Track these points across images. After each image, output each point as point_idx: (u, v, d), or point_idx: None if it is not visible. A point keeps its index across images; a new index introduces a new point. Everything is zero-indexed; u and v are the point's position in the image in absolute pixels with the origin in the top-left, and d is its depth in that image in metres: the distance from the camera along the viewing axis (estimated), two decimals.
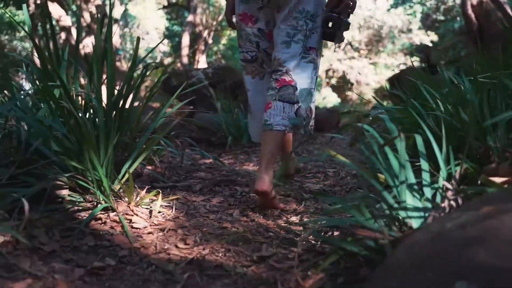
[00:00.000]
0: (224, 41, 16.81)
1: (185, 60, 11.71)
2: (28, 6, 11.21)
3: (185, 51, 11.76)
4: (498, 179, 1.05)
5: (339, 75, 17.02)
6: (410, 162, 1.16)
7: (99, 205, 1.43)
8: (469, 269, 0.65)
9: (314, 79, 1.84)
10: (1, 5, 12.40)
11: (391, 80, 6.92)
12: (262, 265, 1.18)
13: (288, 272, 1.12)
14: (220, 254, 1.26)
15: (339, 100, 16.36)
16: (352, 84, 16.74)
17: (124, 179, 1.62)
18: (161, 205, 1.60)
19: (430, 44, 14.26)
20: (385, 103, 6.86)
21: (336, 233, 1.38)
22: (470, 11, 6.33)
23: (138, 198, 1.59)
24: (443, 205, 1.04)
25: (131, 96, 1.83)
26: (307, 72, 1.81)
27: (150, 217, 1.52)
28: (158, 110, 2.14)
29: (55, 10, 9.55)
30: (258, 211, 1.73)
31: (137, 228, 1.40)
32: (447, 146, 1.16)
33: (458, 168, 1.10)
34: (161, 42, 2.56)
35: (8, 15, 11.83)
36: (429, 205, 1.06)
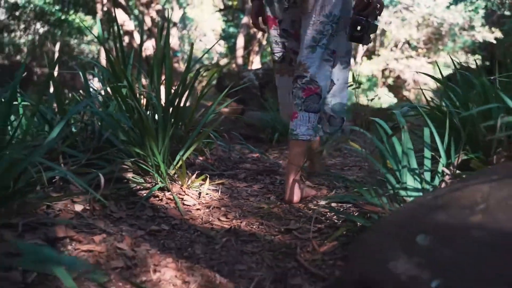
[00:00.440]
0: None
1: (240, 61, 12.04)
2: (96, 12, 12.10)
3: (240, 52, 12.10)
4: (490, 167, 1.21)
5: (395, 75, 16.71)
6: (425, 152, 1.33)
7: (156, 185, 1.72)
8: (429, 226, 0.85)
9: (345, 80, 2.00)
10: (72, 12, 13.44)
11: (447, 79, 6.79)
12: (288, 235, 1.41)
13: (308, 240, 1.34)
14: (254, 226, 1.50)
15: (395, 100, 16.06)
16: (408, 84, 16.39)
17: (178, 165, 1.91)
18: (208, 188, 1.87)
19: (494, 41, 13.66)
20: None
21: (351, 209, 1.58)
22: None
23: (189, 182, 1.86)
24: (441, 187, 1.21)
25: (185, 94, 2.12)
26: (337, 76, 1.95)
27: (199, 197, 1.79)
28: (209, 107, 2.42)
29: (120, 15, 10.23)
30: None
31: (187, 205, 1.68)
32: (449, 138, 1.32)
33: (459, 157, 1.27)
34: (216, 43, 2.78)
35: (77, 21, 12.79)
36: (428, 187, 1.24)
